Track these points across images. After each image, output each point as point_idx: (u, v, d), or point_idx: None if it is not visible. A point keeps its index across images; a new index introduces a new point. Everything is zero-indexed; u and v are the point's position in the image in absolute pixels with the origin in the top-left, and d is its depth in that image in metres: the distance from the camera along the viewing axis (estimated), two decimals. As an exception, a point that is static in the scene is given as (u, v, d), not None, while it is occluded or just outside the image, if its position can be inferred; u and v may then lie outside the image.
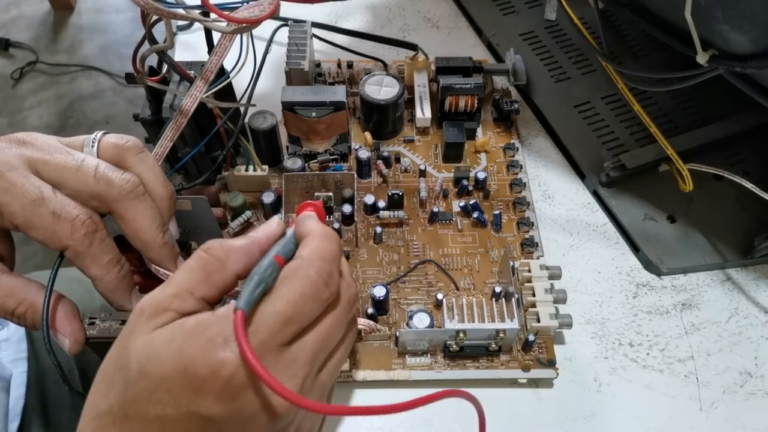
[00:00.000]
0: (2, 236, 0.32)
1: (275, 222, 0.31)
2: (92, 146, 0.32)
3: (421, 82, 0.51)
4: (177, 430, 0.25)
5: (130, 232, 0.33)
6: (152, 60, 0.38)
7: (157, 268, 0.35)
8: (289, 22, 0.50)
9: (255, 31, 0.38)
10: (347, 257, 0.43)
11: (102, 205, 0.31)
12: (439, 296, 0.40)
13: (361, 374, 0.39)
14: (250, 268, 0.28)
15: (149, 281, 0.39)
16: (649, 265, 0.45)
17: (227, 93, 0.44)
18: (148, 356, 0.25)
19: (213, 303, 0.28)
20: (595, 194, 0.49)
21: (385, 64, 0.55)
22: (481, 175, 0.46)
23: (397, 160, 0.49)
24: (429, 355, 0.39)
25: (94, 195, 0.31)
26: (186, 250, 0.41)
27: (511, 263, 0.41)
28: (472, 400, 0.28)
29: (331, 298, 0.27)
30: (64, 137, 0.33)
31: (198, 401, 0.24)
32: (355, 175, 0.45)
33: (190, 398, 0.24)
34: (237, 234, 0.44)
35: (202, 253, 0.28)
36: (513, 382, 0.39)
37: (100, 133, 0.33)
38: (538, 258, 0.44)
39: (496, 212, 0.45)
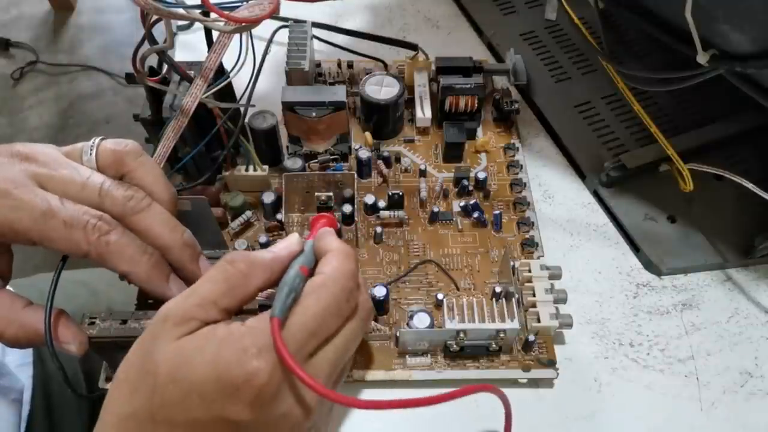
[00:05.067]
0: (4, 251, 0.32)
1: (295, 239, 0.32)
2: (90, 153, 0.32)
3: (421, 82, 0.51)
4: None
5: (148, 241, 0.32)
6: (152, 60, 0.38)
7: None
8: (290, 22, 0.50)
9: (255, 31, 0.38)
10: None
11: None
12: (440, 296, 0.40)
13: (361, 374, 0.38)
14: (270, 283, 0.30)
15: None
16: (650, 265, 0.45)
17: (227, 93, 0.44)
18: (179, 363, 0.26)
19: (233, 314, 0.29)
20: (596, 194, 0.49)
21: (385, 64, 0.55)
22: (482, 175, 0.46)
23: (398, 160, 0.49)
24: (429, 355, 0.39)
25: (100, 210, 0.31)
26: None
27: (512, 263, 0.41)
28: (501, 395, 0.30)
29: (350, 311, 0.30)
30: (61, 146, 0.33)
31: (229, 407, 0.25)
32: (356, 175, 0.45)
33: (222, 404, 0.25)
34: (237, 234, 0.44)
35: (227, 266, 0.29)
36: (513, 382, 0.39)
37: (98, 139, 0.32)
38: (538, 258, 0.44)
39: (497, 212, 0.45)
